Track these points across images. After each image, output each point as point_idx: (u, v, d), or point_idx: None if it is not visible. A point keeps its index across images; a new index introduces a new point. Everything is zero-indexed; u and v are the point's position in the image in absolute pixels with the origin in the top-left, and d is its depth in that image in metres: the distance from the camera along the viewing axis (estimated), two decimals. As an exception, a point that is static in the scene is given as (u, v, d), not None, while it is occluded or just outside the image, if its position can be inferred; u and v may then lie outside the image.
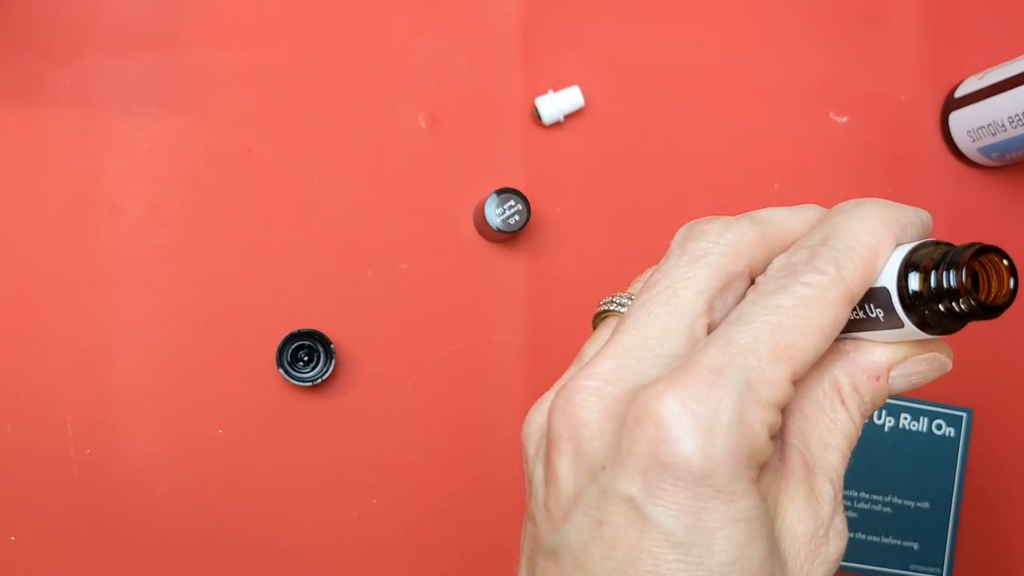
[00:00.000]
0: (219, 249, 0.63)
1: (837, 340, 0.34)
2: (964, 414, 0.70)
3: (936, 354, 0.34)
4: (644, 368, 0.32)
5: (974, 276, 0.32)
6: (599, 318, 0.38)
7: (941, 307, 0.31)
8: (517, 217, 0.62)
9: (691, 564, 0.30)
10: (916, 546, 0.69)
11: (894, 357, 0.34)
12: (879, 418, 0.69)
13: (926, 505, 0.69)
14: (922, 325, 0.32)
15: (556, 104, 0.65)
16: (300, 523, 0.63)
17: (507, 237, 0.63)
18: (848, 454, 0.34)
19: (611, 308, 0.37)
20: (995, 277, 0.32)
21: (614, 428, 0.31)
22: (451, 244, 0.65)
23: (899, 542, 0.69)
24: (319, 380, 0.62)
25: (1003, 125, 0.65)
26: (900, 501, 0.69)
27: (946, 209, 0.71)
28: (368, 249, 0.64)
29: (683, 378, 0.30)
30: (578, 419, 0.32)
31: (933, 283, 0.31)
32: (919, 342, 0.34)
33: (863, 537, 0.68)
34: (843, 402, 0.33)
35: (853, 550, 0.68)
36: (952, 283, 0.31)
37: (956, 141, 0.70)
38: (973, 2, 0.71)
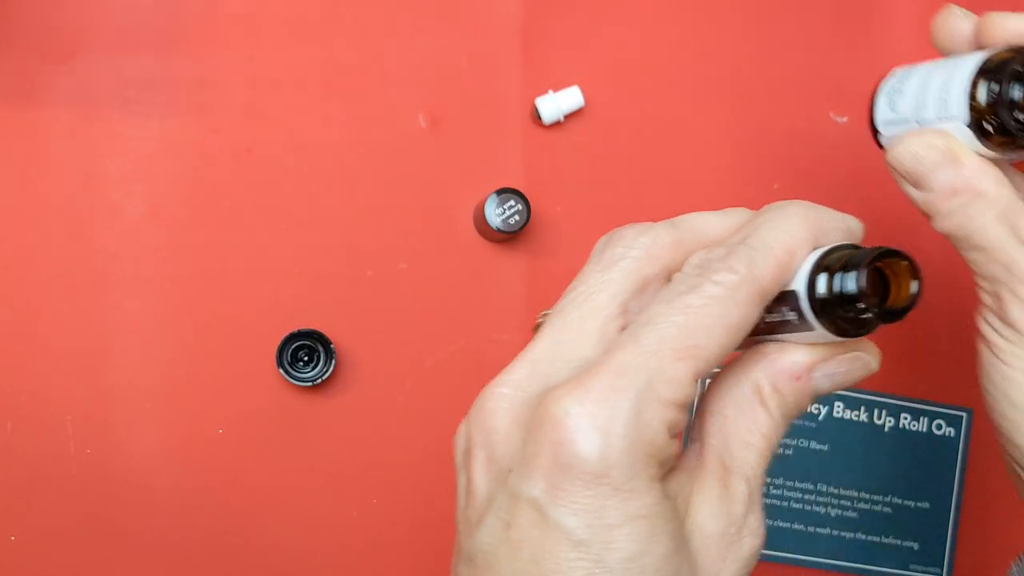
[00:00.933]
0: (219, 249, 0.63)
1: (760, 342, 0.34)
2: (964, 414, 0.70)
3: (859, 353, 0.34)
4: (555, 372, 0.33)
5: (880, 279, 0.32)
6: (538, 328, 0.39)
7: (845, 311, 0.31)
8: (517, 217, 0.62)
9: (591, 561, 0.30)
10: (916, 546, 0.69)
11: (815, 358, 0.34)
12: (879, 418, 0.69)
13: (926, 505, 0.69)
14: (831, 329, 0.32)
15: (556, 104, 0.65)
16: (300, 523, 0.63)
17: (507, 237, 0.63)
18: (768, 454, 0.34)
19: (545, 319, 0.38)
20: (901, 281, 0.32)
21: (521, 432, 0.32)
22: (451, 244, 0.65)
23: (899, 542, 0.69)
24: (319, 380, 0.62)
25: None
26: (900, 501, 0.69)
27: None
28: (368, 249, 0.64)
29: (584, 381, 0.31)
30: (490, 425, 0.33)
31: (835, 286, 0.31)
32: (841, 342, 0.34)
33: (863, 537, 0.68)
34: (763, 403, 0.34)
35: (853, 550, 0.68)
36: (851, 286, 0.31)
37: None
38: (973, 2, 0.71)
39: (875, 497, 0.69)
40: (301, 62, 0.64)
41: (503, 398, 0.34)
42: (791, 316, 0.33)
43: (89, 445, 0.61)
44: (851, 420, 0.68)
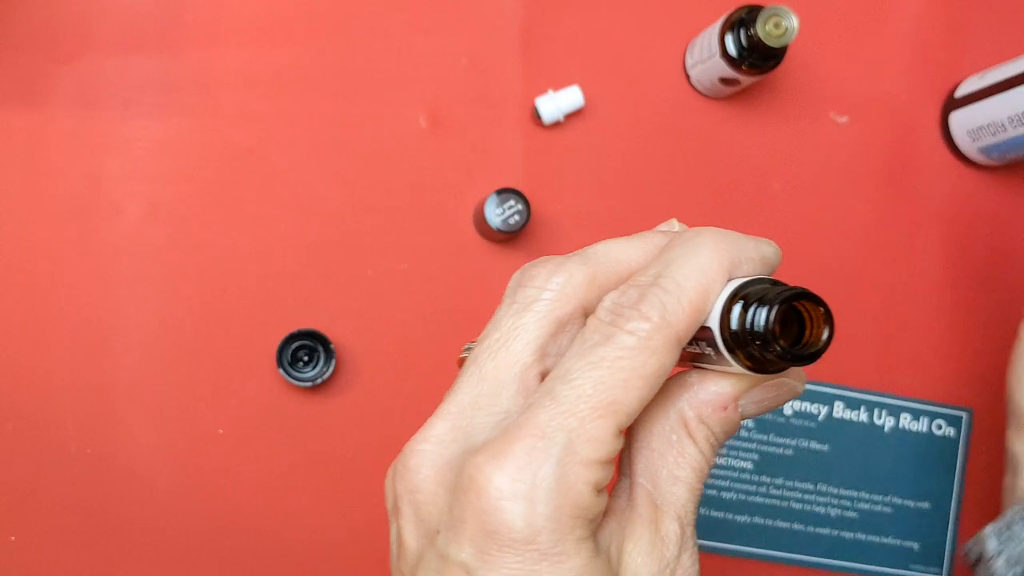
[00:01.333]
0: (219, 249, 0.63)
1: (682, 372, 0.33)
2: (964, 414, 0.70)
3: (784, 379, 0.34)
4: (475, 427, 0.33)
5: (796, 320, 0.31)
6: (461, 364, 0.38)
7: (755, 350, 0.31)
8: (517, 217, 0.62)
9: None
10: (916, 546, 0.69)
11: (739, 387, 0.33)
12: (879, 418, 0.69)
13: (926, 505, 0.69)
14: (748, 365, 0.31)
15: (556, 104, 0.65)
16: (300, 522, 0.63)
17: (507, 237, 0.63)
18: (698, 488, 0.34)
19: (468, 354, 0.37)
20: (813, 324, 0.31)
21: (445, 494, 0.32)
22: (451, 244, 0.65)
23: (899, 542, 0.69)
24: (319, 380, 0.62)
25: (1003, 125, 0.65)
26: (900, 501, 0.69)
27: (946, 209, 0.71)
28: (368, 249, 0.64)
29: (505, 446, 0.30)
30: (414, 484, 0.33)
31: (746, 323, 0.30)
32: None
33: (863, 537, 0.68)
34: (690, 435, 0.33)
35: (853, 550, 0.68)
36: (760, 326, 0.30)
37: (956, 141, 0.70)
38: (973, 2, 0.71)
39: (875, 497, 0.69)
40: (301, 62, 0.64)
41: (425, 455, 0.33)
42: (708, 350, 0.32)
43: (90, 445, 0.62)
44: (851, 420, 0.68)
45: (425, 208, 0.65)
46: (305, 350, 0.62)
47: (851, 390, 0.68)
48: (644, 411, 0.33)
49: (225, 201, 0.63)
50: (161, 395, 0.62)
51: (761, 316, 0.30)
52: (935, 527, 0.69)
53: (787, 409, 0.68)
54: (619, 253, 0.34)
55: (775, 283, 0.31)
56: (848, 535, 0.68)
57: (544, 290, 0.33)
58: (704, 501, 0.66)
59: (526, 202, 0.62)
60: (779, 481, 0.67)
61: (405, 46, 0.65)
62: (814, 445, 0.68)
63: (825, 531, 0.68)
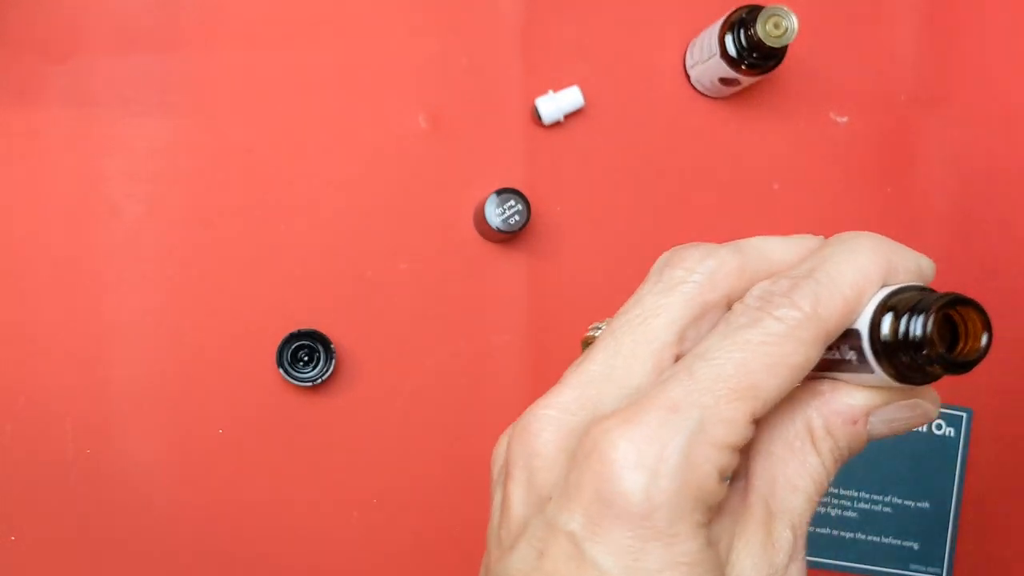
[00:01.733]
0: (219, 249, 0.63)
1: (814, 378, 0.32)
2: (964, 414, 0.70)
3: (919, 401, 0.32)
4: (604, 399, 0.32)
5: (949, 327, 0.30)
6: (587, 343, 0.37)
7: (908, 357, 0.30)
8: (517, 217, 0.62)
9: None
10: (916, 546, 0.69)
11: (873, 401, 0.32)
12: (879, 418, 0.69)
13: (926, 505, 0.69)
14: (893, 374, 0.30)
15: (556, 104, 0.65)
16: (300, 522, 0.63)
17: (507, 237, 0.63)
18: (816, 500, 0.32)
19: (597, 334, 0.36)
20: (970, 331, 0.30)
21: (565, 460, 0.31)
22: (451, 244, 0.65)
23: (899, 542, 0.69)
24: (319, 380, 0.62)
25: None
26: (900, 501, 0.69)
27: (945, 209, 0.71)
28: (368, 249, 0.64)
29: (636, 414, 0.29)
30: (533, 448, 0.32)
31: (900, 330, 0.29)
32: (900, 387, 0.32)
33: (863, 537, 0.68)
34: (815, 445, 0.32)
35: (853, 550, 0.68)
36: (918, 332, 0.29)
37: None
38: (973, 2, 0.71)
39: (875, 497, 0.69)
40: (301, 62, 0.64)
41: (549, 420, 0.32)
42: (850, 355, 0.31)
43: (89, 445, 0.61)
44: (851, 420, 0.68)
45: (425, 208, 0.65)
46: (305, 350, 0.62)
47: (851, 390, 0.68)
48: (769, 413, 0.32)
49: (225, 201, 0.63)
50: (161, 395, 0.62)
51: (918, 321, 0.29)
52: (935, 527, 0.69)
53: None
54: (772, 249, 0.33)
55: (930, 291, 0.30)
56: (848, 535, 0.68)
57: (694, 272, 0.32)
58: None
59: (526, 202, 0.62)
60: (779, 481, 0.67)
61: (405, 46, 0.65)
62: (814, 445, 0.68)
63: (825, 531, 0.68)
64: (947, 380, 0.74)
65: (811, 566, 0.68)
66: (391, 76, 0.65)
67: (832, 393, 0.32)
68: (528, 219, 0.62)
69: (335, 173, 0.64)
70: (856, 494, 0.68)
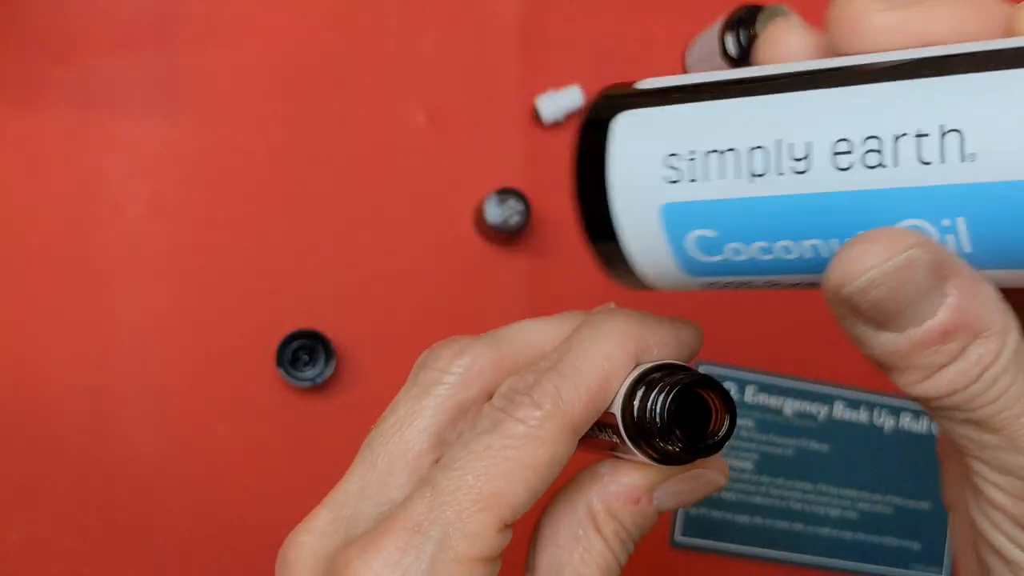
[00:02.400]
0: (219, 248, 0.63)
1: (596, 462, 0.32)
2: (964, 414, 0.70)
3: (702, 471, 0.31)
4: (358, 518, 0.31)
5: (700, 408, 0.29)
6: None
7: (657, 439, 0.29)
8: (517, 217, 0.62)
9: None
10: (916, 546, 0.69)
11: (653, 478, 0.31)
12: (879, 418, 0.69)
13: (926, 505, 0.69)
14: (651, 457, 0.29)
15: (556, 104, 0.65)
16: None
17: (507, 237, 0.63)
18: None
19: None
20: (717, 412, 0.29)
21: None
22: (451, 244, 0.65)
23: (899, 542, 0.69)
24: (319, 380, 0.62)
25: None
26: (900, 501, 0.69)
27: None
28: (368, 249, 0.64)
29: (377, 541, 0.29)
30: None
31: (636, 414, 0.29)
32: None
33: (863, 537, 0.68)
34: (598, 530, 0.31)
35: (853, 550, 0.68)
36: (656, 414, 0.28)
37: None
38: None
39: (875, 497, 0.69)
40: (300, 61, 0.64)
41: (304, 548, 0.32)
42: (615, 438, 0.30)
43: (88, 445, 0.61)
44: (851, 421, 0.68)
45: (425, 208, 0.65)
46: (305, 350, 0.62)
47: (851, 390, 0.68)
48: (551, 504, 0.31)
49: (225, 200, 0.63)
50: (160, 395, 0.62)
51: (657, 405, 0.28)
52: (935, 527, 0.69)
53: (787, 410, 0.68)
54: (532, 335, 0.32)
55: (682, 369, 0.29)
56: (848, 535, 0.68)
57: (447, 373, 0.32)
58: (705, 501, 0.66)
59: (526, 202, 0.62)
60: (779, 481, 0.67)
61: (404, 45, 0.65)
62: (814, 445, 0.68)
63: (825, 531, 0.68)
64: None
65: (811, 566, 0.68)
66: (390, 75, 0.65)
67: (611, 475, 0.31)
68: (528, 219, 0.62)
69: (334, 172, 0.64)
70: (856, 494, 0.68)
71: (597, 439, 0.31)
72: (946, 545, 0.69)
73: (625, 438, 0.30)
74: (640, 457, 0.30)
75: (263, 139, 0.64)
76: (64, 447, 0.61)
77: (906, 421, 0.69)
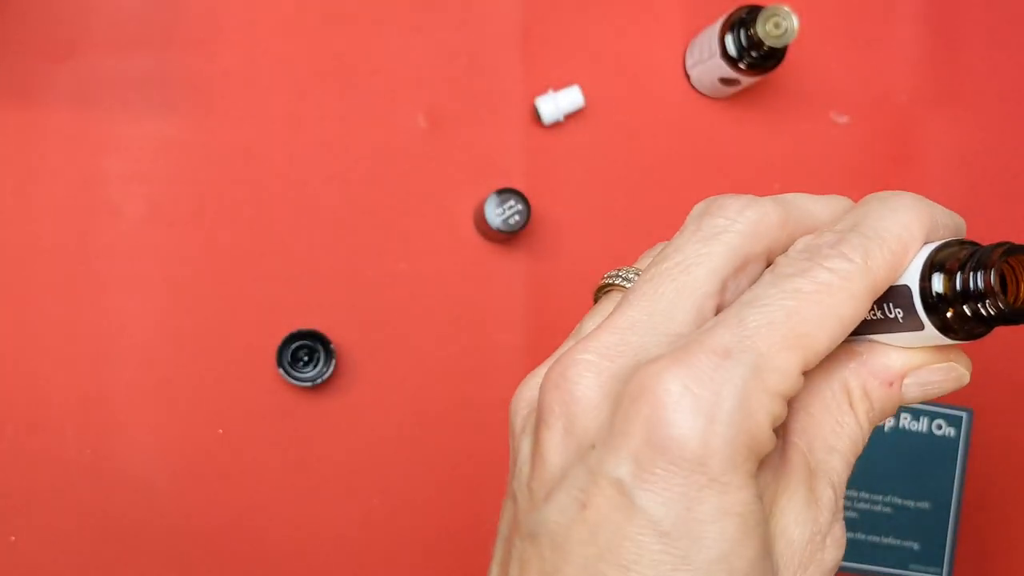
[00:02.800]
0: (219, 249, 0.63)
1: (850, 340, 0.31)
2: (964, 414, 0.70)
3: (954, 364, 0.32)
4: (646, 344, 0.30)
5: (1002, 278, 0.29)
6: (601, 291, 0.35)
7: (967, 310, 0.29)
8: (517, 217, 0.62)
9: (676, 557, 0.28)
10: (916, 546, 0.69)
11: (910, 363, 0.31)
12: (879, 418, 0.69)
13: (926, 505, 0.69)
14: (943, 328, 0.30)
15: (556, 104, 0.65)
16: (300, 523, 0.63)
17: (507, 237, 0.63)
18: (852, 461, 0.32)
19: (615, 282, 0.35)
20: (1021, 281, 0.30)
21: (609, 406, 0.29)
22: (451, 244, 0.65)
23: (899, 542, 0.69)
24: (319, 380, 0.62)
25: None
26: (900, 501, 0.69)
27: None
28: (368, 249, 0.64)
29: (686, 357, 0.28)
30: (571, 395, 0.30)
31: (959, 284, 0.29)
32: (937, 350, 0.31)
33: (863, 537, 0.68)
34: (851, 406, 0.31)
35: (853, 550, 0.68)
36: (980, 284, 0.29)
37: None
38: (973, 2, 0.71)
39: (875, 497, 0.69)
40: (300, 62, 0.64)
41: (589, 366, 0.30)
42: (895, 313, 0.30)
43: (89, 445, 0.61)
44: (851, 420, 0.68)
45: (425, 208, 0.65)
46: (305, 350, 0.62)
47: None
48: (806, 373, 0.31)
49: (225, 201, 0.63)
50: (161, 395, 0.62)
51: (979, 274, 0.28)
52: (935, 527, 0.69)
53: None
54: (810, 205, 0.32)
55: (975, 244, 0.30)
56: (848, 535, 0.68)
57: (735, 221, 0.31)
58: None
59: (526, 202, 0.62)
60: (779, 481, 0.67)
61: (405, 46, 0.65)
62: (814, 445, 0.68)
63: (825, 531, 0.68)
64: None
65: (811, 566, 0.68)
66: (391, 75, 0.65)
67: (869, 355, 0.31)
68: (528, 219, 0.62)
69: (335, 173, 0.64)
70: (856, 494, 0.68)
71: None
72: (946, 545, 0.69)
73: (919, 309, 0.30)
74: (920, 332, 0.30)
75: (263, 139, 0.64)
76: (64, 448, 0.61)
77: (906, 421, 0.69)
